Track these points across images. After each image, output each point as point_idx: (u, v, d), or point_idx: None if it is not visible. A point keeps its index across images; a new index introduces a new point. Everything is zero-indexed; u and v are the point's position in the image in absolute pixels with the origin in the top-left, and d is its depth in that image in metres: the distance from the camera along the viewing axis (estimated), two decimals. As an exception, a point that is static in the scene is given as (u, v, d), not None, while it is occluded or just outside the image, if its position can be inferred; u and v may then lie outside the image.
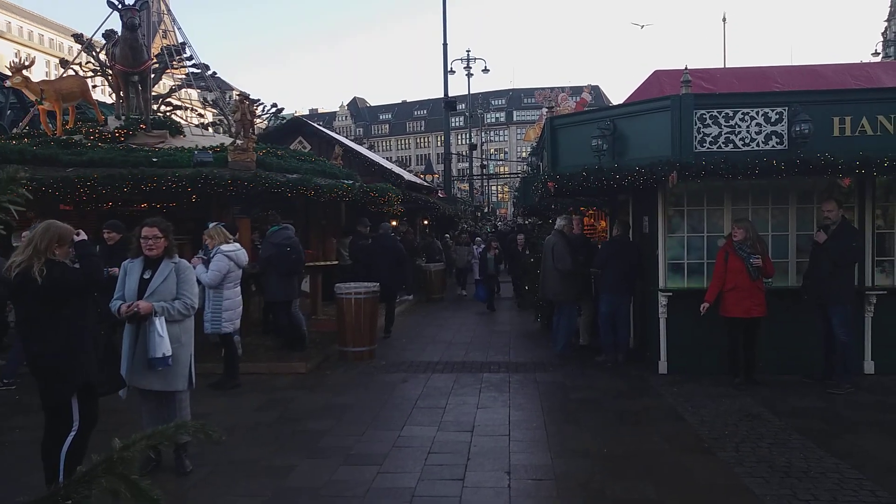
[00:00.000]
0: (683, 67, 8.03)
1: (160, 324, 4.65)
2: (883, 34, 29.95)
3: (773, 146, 7.39)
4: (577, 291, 9.25)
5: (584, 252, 9.33)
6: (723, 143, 7.46)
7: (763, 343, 7.59)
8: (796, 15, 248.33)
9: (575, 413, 6.59)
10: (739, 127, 7.45)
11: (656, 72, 10.06)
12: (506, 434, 5.87)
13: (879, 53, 27.31)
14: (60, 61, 22.56)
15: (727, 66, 17.94)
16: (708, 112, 7.47)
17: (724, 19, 26.01)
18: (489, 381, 7.97)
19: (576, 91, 34.04)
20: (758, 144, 7.42)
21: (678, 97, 7.55)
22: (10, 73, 11.39)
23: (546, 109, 10.46)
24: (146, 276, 4.80)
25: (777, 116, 7.40)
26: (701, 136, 7.50)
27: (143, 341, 4.70)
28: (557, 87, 32.53)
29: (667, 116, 7.58)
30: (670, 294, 7.97)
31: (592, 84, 53.71)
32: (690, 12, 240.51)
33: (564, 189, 8.35)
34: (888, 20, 31.26)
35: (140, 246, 4.83)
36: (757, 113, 7.43)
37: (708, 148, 7.44)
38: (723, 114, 7.46)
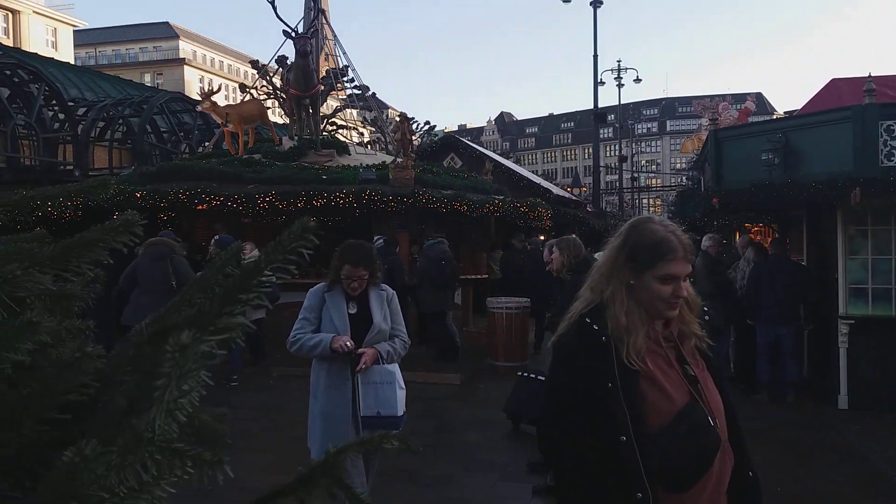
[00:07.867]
0: (866, 75, 7.41)
1: (397, 372, 3.77)
2: None
3: (980, 159, 6.59)
4: (723, 318, 8.47)
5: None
6: (915, 156, 6.77)
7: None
8: None
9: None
10: (937, 138, 6.72)
11: (834, 80, 9.36)
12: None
13: None
14: (240, 86, 24.79)
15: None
16: (897, 123, 6.81)
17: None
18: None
19: (738, 99, 31.90)
20: (960, 157, 6.66)
21: (861, 107, 6.96)
22: (200, 99, 12.78)
23: (708, 120, 10.02)
24: (352, 310, 3.82)
25: (984, 125, 6.60)
26: (888, 149, 6.85)
27: (355, 395, 3.68)
28: (717, 96, 30.73)
29: (848, 128, 7.01)
30: (852, 322, 7.30)
31: (755, 91, 50.37)
32: (866, 13, 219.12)
33: (730, 205, 7.94)
34: None
35: (339, 280, 3.82)
36: (959, 122, 6.68)
37: (897, 162, 6.78)
38: (915, 124, 6.77)
